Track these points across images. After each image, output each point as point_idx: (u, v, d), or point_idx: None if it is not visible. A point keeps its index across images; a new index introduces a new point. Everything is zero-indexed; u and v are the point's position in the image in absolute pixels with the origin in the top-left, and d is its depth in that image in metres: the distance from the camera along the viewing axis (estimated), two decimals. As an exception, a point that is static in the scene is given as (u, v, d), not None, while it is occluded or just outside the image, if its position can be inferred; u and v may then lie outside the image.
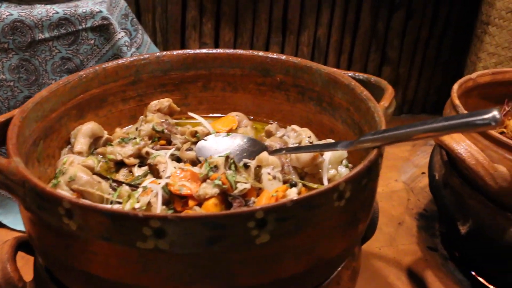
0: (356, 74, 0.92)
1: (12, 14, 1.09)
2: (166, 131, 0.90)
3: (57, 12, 1.10)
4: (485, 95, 1.20)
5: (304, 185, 0.80)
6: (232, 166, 0.74)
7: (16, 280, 0.73)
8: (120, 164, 0.87)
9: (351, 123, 0.87)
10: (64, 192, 0.73)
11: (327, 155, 0.81)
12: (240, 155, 0.85)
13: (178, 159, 0.86)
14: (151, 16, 1.54)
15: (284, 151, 0.81)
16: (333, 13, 1.70)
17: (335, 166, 0.82)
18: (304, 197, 0.58)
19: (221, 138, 0.89)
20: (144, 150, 0.86)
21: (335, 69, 0.92)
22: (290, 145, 0.90)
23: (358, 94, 0.84)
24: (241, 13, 1.63)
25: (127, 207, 0.71)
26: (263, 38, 1.69)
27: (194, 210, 0.70)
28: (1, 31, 1.09)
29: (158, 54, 0.98)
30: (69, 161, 0.81)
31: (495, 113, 0.58)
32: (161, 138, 0.91)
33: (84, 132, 0.87)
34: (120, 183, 0.79)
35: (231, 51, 1.00)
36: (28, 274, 0.77)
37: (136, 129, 0.92)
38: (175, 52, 0.99)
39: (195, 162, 0.84)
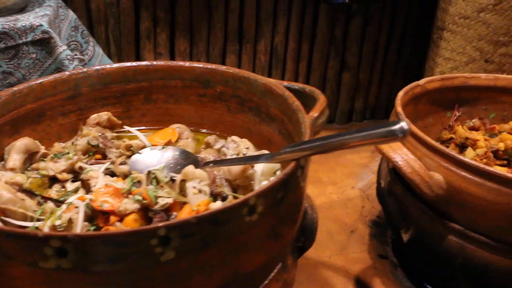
0: (291, 84, 0.92)
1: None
2: (101, 145, 0.89)
3: (-4, 27, 1.09)
4: (435, 101, 1.20)
5: (235, 197, 0.79)
6: (154, 181, 0.74)
7: None
8: (54, 180, 0.86)
9: (286, 133, 0.87)
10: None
11: (259, 166, 0.81)
12: (174, 168, 0.85)
13: (112, 174, 0.86)
14: (103, 27, 1.53)
15: (211, 164, 0.81)
16: (290, 20, 1.69)
17: (268, 178, 0.82)
18: (210, 213, 0.57)
19: (156, 152, 0.88)
20: (77, 165, 0.85)
21: (272, 80, 0.92)
22: (229, 156, 0.90)
23: (290, 104, 0.84)
24: (195, 23, 1.62)
25: (47, 224, 0.70)
26: (219, 47, 1.68)
27: (115, 226, 0.70)
28: None
29: (97, 67, 0.97)
30: (-5, 178, 0.80)
31: (402, 124, 0.59)
32: (97, 152, 0.90)
33: (17, 148, 0.87)
34: (47, 199, 0.78)
35: (171, 63, 1.00)
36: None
37: (72, 143, 0.92)
38: (114, 65, 0.99)
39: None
